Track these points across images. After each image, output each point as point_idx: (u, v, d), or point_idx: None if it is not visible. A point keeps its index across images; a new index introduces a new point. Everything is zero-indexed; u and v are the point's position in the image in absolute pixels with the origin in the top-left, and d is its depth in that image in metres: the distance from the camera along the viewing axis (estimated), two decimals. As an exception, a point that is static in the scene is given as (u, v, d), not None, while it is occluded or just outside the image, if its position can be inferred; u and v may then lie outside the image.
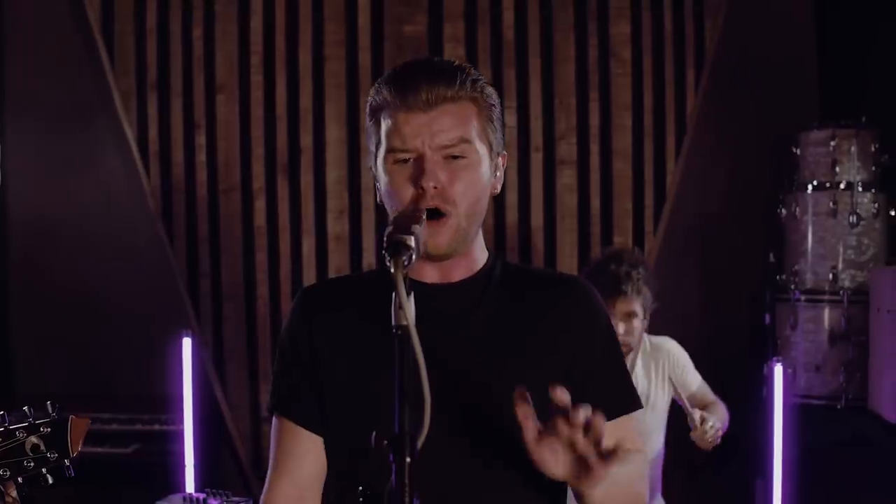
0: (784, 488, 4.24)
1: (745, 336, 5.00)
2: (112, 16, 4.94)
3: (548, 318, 1.86)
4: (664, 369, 3.69)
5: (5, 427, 1.97)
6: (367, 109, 1.83)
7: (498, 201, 4.97)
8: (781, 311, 4.72)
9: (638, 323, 3.53)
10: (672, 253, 5.01)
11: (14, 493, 2.03)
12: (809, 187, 4.64)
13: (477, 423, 1.77)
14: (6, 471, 1.98)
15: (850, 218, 4.53)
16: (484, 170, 1.80)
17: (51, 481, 1.99)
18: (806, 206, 4.66)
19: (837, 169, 4.58)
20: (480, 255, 1.90)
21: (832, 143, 4.58)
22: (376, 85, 1.81)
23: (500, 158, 1.87)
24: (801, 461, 4.43)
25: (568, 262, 4.95)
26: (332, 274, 4.93)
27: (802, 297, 4.63)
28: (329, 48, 4.96)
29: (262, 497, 1.94)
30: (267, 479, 1.93)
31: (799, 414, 4.56)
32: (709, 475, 4.76)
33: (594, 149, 4.99)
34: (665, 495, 3.73)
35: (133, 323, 4.96)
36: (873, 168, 4.60)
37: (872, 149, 4.60)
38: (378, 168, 1.81)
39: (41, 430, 1.97)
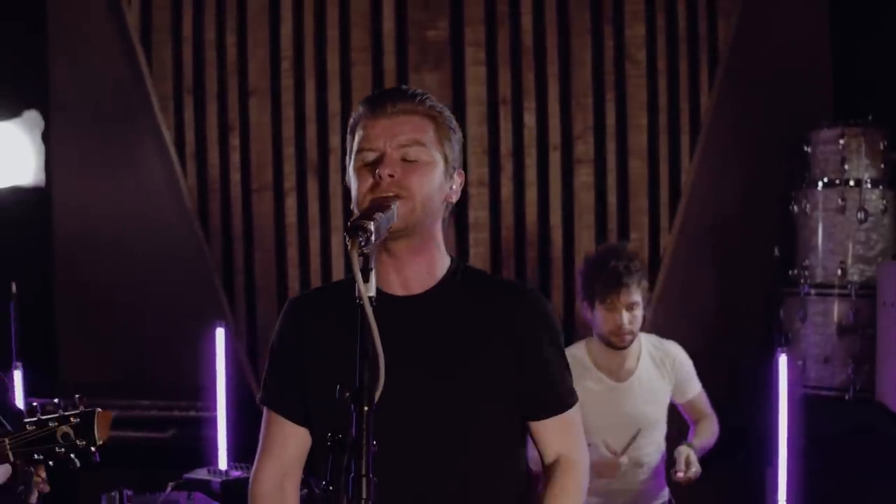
0: (791, 476, 4.38)
1: (758, 329, 5.09)
2: (150, 25, 5.17)
3: (503, 323, 2.08)
4: (669, 371, 3.86)
5: (38, 418, 2.25)
6: (348, 129, 2.10)
7: (517, 199, 5.15)
8: (792, 304, 4.84)
9: (639, 312, 3.72)
10: (687, 248, 5.15)
11: (43, 475, 2.34)
12: (819, 184, 4.75)
13: (440, 406, 2.02)
14: (40, 455, 2.26)
15: (859, 214, 4.65)
16: (437, 173, 2.04)
17: (78, 465, 2.27)
18: (816, 202, 4.77)
19: (846, 166, 4.68)
20: (441, 261, 2.13)
21: (841, 142, 4.69)
22: (357, 107, 2.09)
23: (456, 174, 2.11)
24: (808, 450, 4.57)
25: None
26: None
27: (812, 291, 4.75)
28: (355, 53, 5.16)
29: (251, 475, 2.21)
30: (255, 461, 2.20)
31: (808, 405, 4.69)
32: (720, 464, 4.90)
33: (610, 148, 5.16)
34: (674, 483, 3.88)
35: (171, 316, 5.15)
36: (882, 165, 4.70)
37: (881, 147, 4.70)
38: (350, 174, 2.06)
39: (71, 420, 2.25)
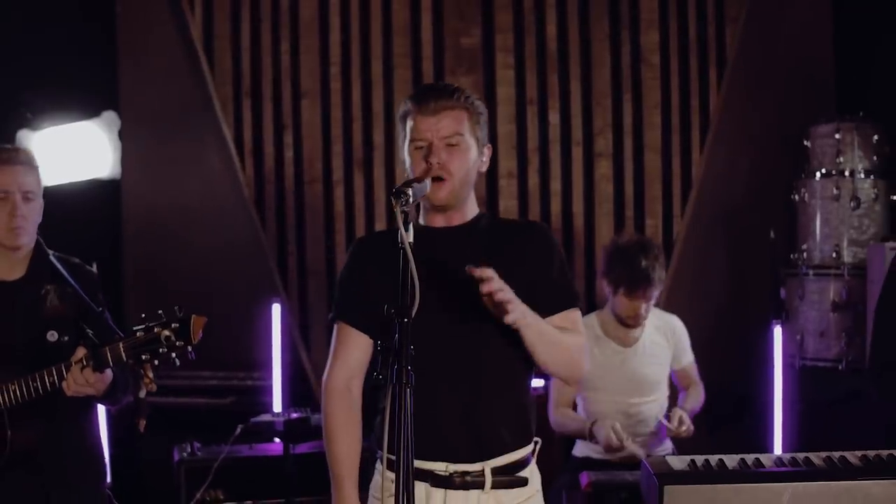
0: (786, 436, 4.84)
1: (763, 307, 5.49)
2: (212, 34, 5.63)
3: (517, 247, 2.70)
4: (670, 339, 4.37)
5: (146, 324, 2.73)
6: (399, 115, 2.71)
7: (543, 190, 5.63)
8: (792, 284, 5.28)
9: (652, 304, 4.21)
10: (697, 233, 5.60)
11: (151, 374, 2.79)
12: (817, 175, 5.18)
13: (468, 311, 2.55)
14: (147, 355, 2.74)
15: (852, 202, 5.08)
16: (472, 154, 2.67)
17: (178, 364, 2.73)
18: (814, 191, 5.20)
19: (841, 158, 5.12)
20: (472, 210, 2.76)
21: (837, 136, 5.12)
22: (405, 100, 2.70)
23: (485, 148, 2.73)
24: (806, 415, 5.02)
25: (605, 242, 5.52)
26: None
27: (810, 272, 5.19)
28: (397, 59, 5.62)
29: (324, 377, 2.76)
30: (327, 366, 2.75)
31: (806, 375, 5.13)
32: (728, 429, 5.35)
33: (628, 143, 5.62)
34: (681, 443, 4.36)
35: (230, 294, 5.53)
36: (874, 157, 5.13)
37: (873, 140, 5.12)
38: (405, 153, 2.67)
39: (171, 325, 2.72)
